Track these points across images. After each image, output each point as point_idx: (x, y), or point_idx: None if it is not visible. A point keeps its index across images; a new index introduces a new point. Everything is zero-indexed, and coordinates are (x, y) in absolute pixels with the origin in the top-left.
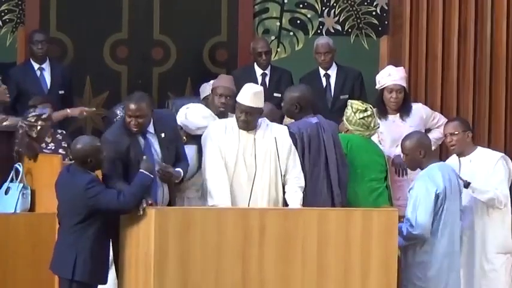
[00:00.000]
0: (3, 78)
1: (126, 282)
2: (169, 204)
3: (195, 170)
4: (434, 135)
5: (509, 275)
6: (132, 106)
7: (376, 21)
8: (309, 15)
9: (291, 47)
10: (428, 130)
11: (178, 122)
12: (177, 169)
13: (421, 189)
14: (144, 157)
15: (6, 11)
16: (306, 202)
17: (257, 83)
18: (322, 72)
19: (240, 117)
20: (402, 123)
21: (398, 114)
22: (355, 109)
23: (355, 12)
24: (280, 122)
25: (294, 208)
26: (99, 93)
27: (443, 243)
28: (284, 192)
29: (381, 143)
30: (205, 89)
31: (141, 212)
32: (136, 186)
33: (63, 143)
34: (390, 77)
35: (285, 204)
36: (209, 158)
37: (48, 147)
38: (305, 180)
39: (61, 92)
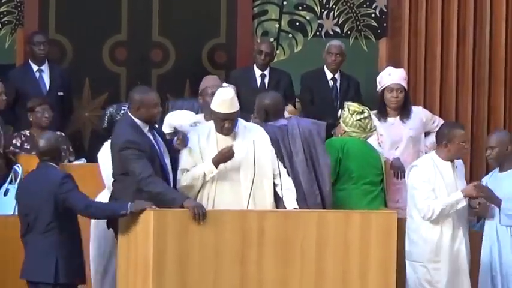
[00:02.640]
0: (2, 80)
1: (124, 284)
2: None
3: None
4: (433, 138)
5: None
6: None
7: (375, 24)
8: (308, 17)
9: (290, 49)
10: (427, 133)
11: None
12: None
13: None
14: (136, 201)
15: (5, 12)
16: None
17: (256, 84)
18: (329, 75)
19: (223, 125)
20: (402, 126)
21: (398, 117)
22: (351, 111)
23: (354, 14)
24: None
25: (292, 210)
26: (98, 94)
27: None
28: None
29: (380, 145)
30: None
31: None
32: (109, 209)
33: (62, 144)
34: (390, 76)
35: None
36: (183, 165)
37: None
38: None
39: (60, 93)
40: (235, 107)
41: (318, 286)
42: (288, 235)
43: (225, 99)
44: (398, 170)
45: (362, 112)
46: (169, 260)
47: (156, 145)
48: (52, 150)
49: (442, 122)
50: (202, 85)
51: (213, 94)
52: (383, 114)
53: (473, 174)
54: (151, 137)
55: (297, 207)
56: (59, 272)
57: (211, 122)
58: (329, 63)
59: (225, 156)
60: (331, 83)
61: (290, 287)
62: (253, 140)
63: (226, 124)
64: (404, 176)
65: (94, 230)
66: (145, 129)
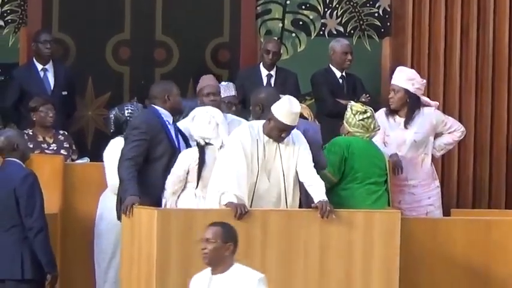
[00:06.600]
0: (7, 79)
1: (128, 283)
2: None
3: None
4: (444, 140)
5: None
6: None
7: (378, 23)
8: (311, 17)
9: (293, 48)
10: (439, 134)
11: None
12: None
13: None
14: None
15: (8, 11)
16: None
17: (262, 83)
18: (337, 73)
19: (280, 134)
20: (407, 129)
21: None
22: (354, 111)
23: (358, 13)
24: None
25: (296, 209)
26: (101, 94)
27: None
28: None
29: (385, 145)
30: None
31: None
32: (45, 244)
33: (65, 143)
34: (393, 76)
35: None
36: (231, 155)
37: (50, 148)
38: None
39: (64, 93)
40: (296, 121)
41: (322, 285)
42: (292, 234)
43: (293, 112)
44: (395, 164)
45: (365, 112)
46: (173, 260)
47: (172, 134)
48: (10, 147)
49: (456, 123)
50: (199, 85)
51: (208, 94)
52: (391, 114)
53: (476, 172)
54: (173, 129)
55: (325, 198)
56: (24, 268)
57: (259, 122)
58: (343, 62)
59: (237, 213)
60: (340, 81)
61: (293, 286)
62: (278, 146)
63: (283, 134)
64: (401, 172)
65: (98, 226)
66: (170, 119)
